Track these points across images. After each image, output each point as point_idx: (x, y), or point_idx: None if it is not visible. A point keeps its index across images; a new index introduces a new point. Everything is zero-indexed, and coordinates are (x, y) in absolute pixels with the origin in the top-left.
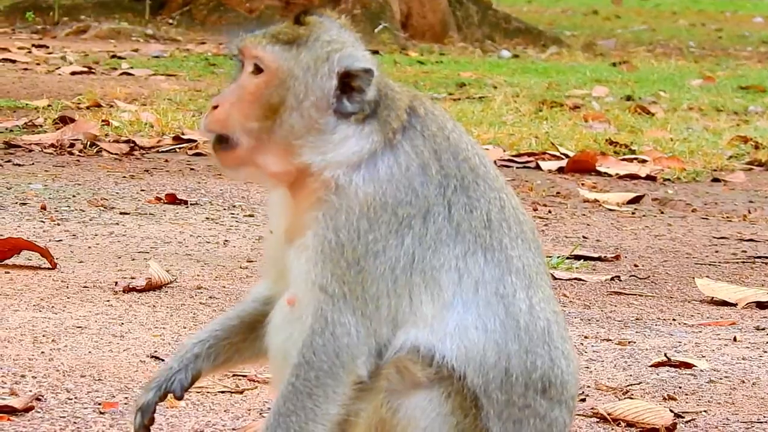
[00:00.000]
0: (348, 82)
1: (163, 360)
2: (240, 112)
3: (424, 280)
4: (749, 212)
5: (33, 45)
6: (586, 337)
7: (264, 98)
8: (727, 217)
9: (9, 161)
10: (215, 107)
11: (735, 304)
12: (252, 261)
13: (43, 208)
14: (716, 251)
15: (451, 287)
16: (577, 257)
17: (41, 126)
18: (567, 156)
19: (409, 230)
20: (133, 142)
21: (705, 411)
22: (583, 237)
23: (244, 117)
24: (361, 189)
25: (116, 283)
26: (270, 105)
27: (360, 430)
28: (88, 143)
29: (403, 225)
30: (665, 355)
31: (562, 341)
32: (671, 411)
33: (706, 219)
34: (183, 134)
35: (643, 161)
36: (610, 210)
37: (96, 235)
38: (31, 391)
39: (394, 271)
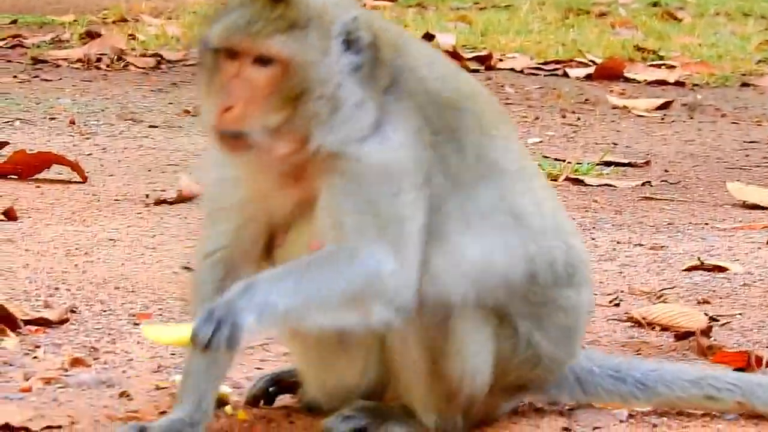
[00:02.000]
0: (347, 38)
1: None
2: (259, 109)
3: (446, 221)
4: None
5: None
6: (618, 243)
7: (282, 92)
8: (758, 122)
9: (37, 77)
10: (229, 108)
11: (766, 208)
12: None
13: (72, 122)
14: (747, 155)
15: (461, 229)
16: (607, 163)
17: (68, 41)
18: (595, 63)
19: (417, 191)
20: (160, 55)
21: (740, 314)
22: (613, 143)
23: (263, 113)
24: (373, 157)
25: (147, 195)
26: (290, 97)
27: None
28: (115, 57)
29: (414, 185)
30: (698, 259)
31: (565, 221)
32: (706, 314)
33: (736, 123)
34: None
35: (672, 67)
36: (640, 116)
37: (125, 148)
38: (65, 303)
39: (416, 218)
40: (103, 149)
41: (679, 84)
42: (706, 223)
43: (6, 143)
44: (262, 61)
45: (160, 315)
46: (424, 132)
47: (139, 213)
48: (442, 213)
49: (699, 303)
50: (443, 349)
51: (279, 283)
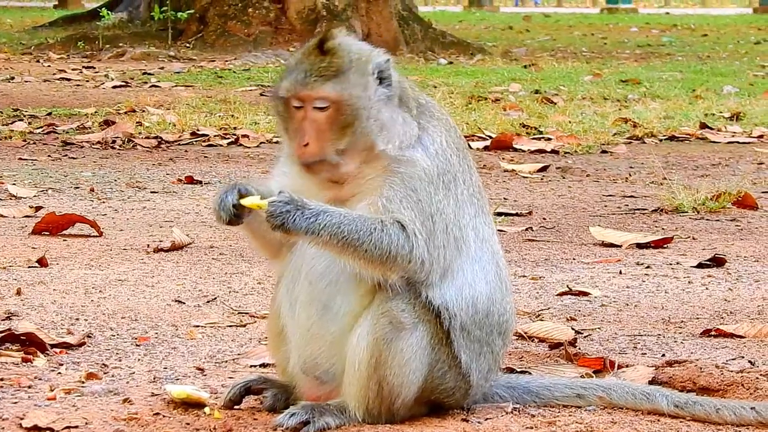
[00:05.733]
0: (380, 76)
1: (184, 303)
2: (328, 141)
3: (462, 235)
4: (630, 175)
5: (83, 66)
6: None
7: (340, 123)
8: (613, 180)
9: (65, 155)
10: (306, 144)
11: (620, 246)
12: None
13: (92, 190)
14: (605, 206)
15: (472, 244)
16: (499, 214)
17: (90, 128)
18: (490, 137)
19: (449, 193)
20: (161, 137)
21: (599, 328)
22: (504, 198)
23: (332, 143)
24: (420, 161)
25: (148, 245)
26: (346, 125)
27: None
28: (126, 140)
29: (449, 188)
30: (567, 286)
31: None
32: (573, 329)
33: (597, 181)
34: (198, 131)
35: (549, 139)
36: (524, 177)
37: (132, 209)
38: (83, 330)
39: (448, 226)
40: (116, 210)
41: (554, 152)
42: (574, 259)
43: (41, 207)
44: (321, 104)
45: (156, 338)
46: (451, 147)
47: (142, 259)
48: (464, 214)
49: (567, 320)
50: (388, 360)
51: (331, 216)
